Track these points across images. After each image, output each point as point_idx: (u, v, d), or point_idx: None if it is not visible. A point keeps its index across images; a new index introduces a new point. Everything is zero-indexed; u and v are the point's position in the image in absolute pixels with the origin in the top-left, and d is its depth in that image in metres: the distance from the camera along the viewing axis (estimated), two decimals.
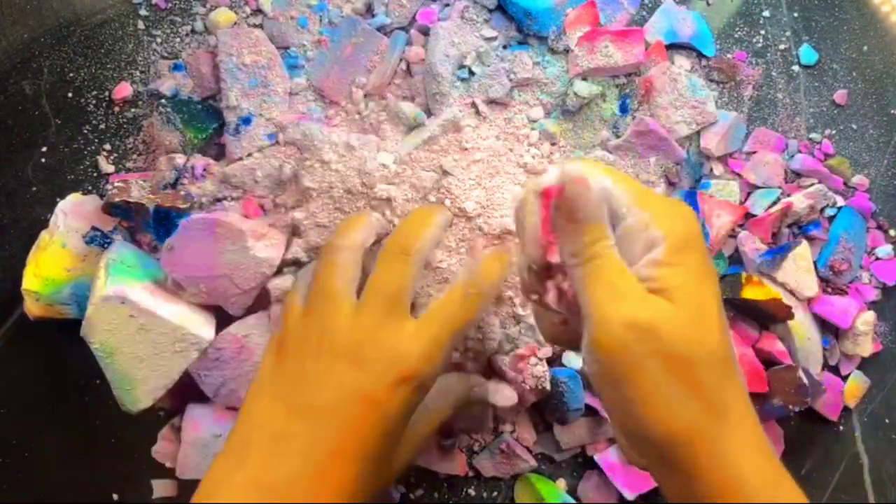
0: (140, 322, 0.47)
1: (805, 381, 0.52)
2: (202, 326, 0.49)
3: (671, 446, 0.34)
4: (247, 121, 0.52)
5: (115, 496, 0.54)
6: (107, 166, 0.54)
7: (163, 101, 0.53)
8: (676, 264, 0.35)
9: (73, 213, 0.51)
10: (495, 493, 0.57)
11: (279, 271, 0.51)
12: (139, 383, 0.48)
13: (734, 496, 0.34)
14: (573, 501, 0.56)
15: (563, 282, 0.39)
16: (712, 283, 0.36)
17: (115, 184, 0.51)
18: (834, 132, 0.59)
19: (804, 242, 0.55)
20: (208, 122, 0.53)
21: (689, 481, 0.34)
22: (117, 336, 0.47)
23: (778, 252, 0.55)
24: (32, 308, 0.50)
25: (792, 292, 0.55)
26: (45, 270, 0.50)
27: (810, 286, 0.55)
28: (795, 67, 0.59)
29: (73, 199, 0.52)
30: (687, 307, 0.34)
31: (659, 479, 0.38)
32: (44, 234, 0.51)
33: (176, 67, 0.54)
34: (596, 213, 0.36)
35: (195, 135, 0.53)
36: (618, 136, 0.56)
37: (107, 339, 0.47)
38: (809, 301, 0.57)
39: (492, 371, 0.54)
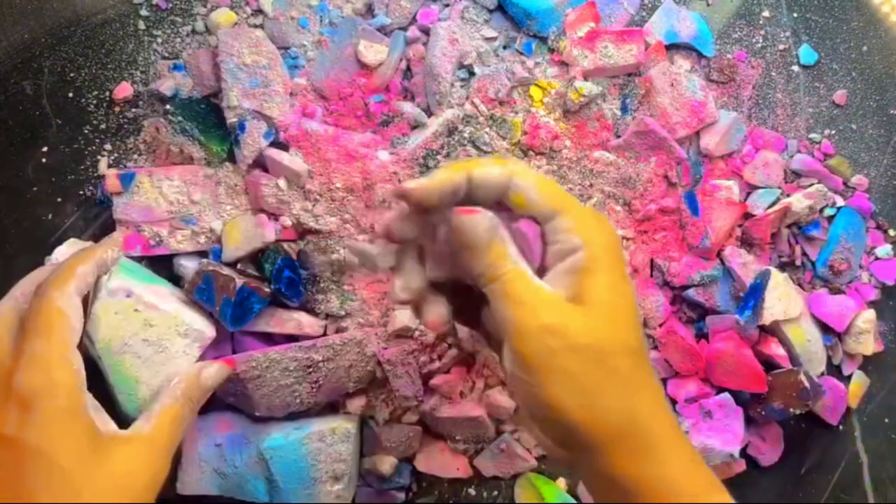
0: (144, 316, 0.47)
1: (807, 384, 0.52)
2: (204, 323, 0.49)
3: (588, 431, 0.36)
4: (248, 121, 0.52)
5: None
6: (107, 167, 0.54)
7: (168, 106, 0.53)
8: (593, 271, 0.37)
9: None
10: (496, 493, 0.57)
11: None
12: (142, 385, 0.47)
13: (645, 467, 0.36)
14: (573, 501, 0.56)
15: None
16: (626, 290, 0.39)
17: (205, 260, 0.51)
18: (833, 132, 0.59)
19: (770, 269, 0.55)
20: (225, 129, 0.52)
21: (604, 461, 0.36)
22: (121, 332, 0.47)
23: (752, 297, 0.54)
24: None
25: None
26: None
27: (797, 304, 0.55)
28: (795, 67, 0.59)
29: (70, 245, 0.52)
30: (600, 309, 0.37)
31: (578, 468, 0.39)
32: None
33: (175, 67, 0.54)
34: (487, 240, 0.38)
35: (219, 146, 0.53)
36: (618, 136, 0.56)
37: (111, 335, 0.46)
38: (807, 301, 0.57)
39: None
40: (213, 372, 0.47)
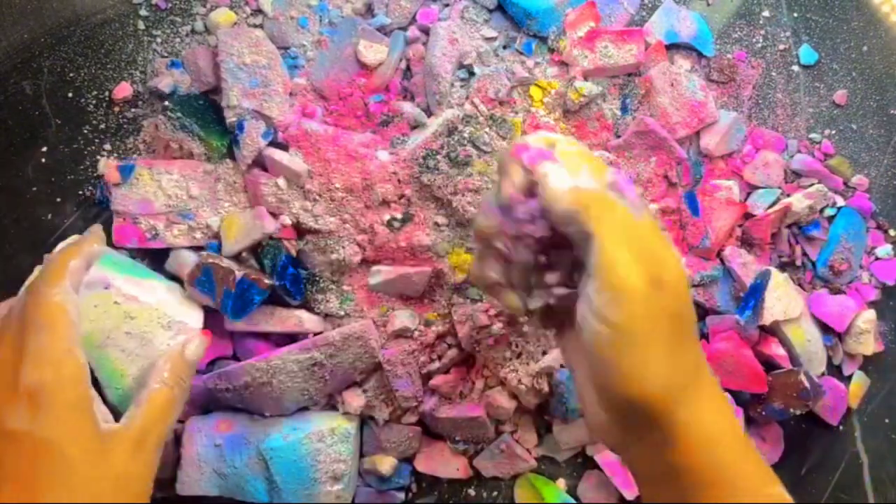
0: (125, 308, 0.45)
1: (807, 385, 0.52)
2: (189, 314, 0.48)
3: (650, 402, 0.35)
4: (247, 121, 0.52)
5: None
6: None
7: (167, 104, 0.53)
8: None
9: None
10: (495, 493, 0.57)
11: None
12: (128, 378, 0.46)
13: (708, 450, 0.35)
14: (573, 501, 0.56)
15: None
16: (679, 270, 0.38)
17: (205, 253, 0.51)
18: (834, 132, 0.59)
19: (771, 269, 0.55)
20: (225, 124, 0.52)
21: (663, 438, 0.35)
22: (102, 325, 0.45)
23: (752, 298, 0.54)
24: None
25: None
26: None
27: (797, 304, 0.55)
28: (795, 67, 0.59)
29: (72, 242, 0.52)
30: (682, 273, 0.36)
31: (629, 447, 0.38)
32: (37, 274, 0.50)
33: (173, 65, 0.54)
34: (599, 161, 0.37)
35: (219, 141, 0.53)
36: (618, 136, 0.56)
37: (92, 328, 0.44)
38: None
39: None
40: (195, 347, 0.46)
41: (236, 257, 0.52)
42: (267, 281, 0.50)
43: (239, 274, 0.49)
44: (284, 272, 0.51)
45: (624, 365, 0.35)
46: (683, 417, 0.35)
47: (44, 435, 0.38)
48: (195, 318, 0.48)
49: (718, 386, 0.38)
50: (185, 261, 0.52)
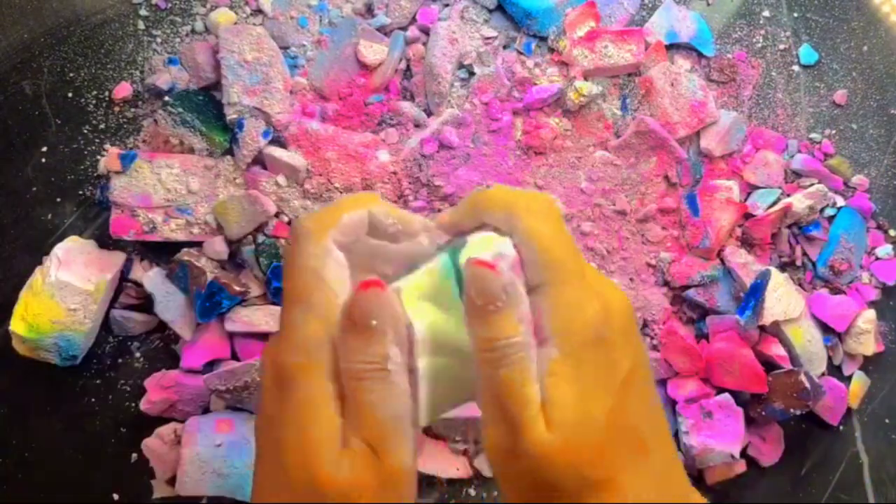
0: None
1: (807, 385, 0.52)
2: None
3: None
4: (246, 119, 0.52)
5: (115, 496, 0.54)
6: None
7: (167, 99, 0.53)
8: (563, 375, 0.30)
9: (66, 264, 0.50)
10: (496, 493, 0.57)
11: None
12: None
13: None
14: None
15: None
16: (607, 390, 0.31)
17: (192, 250, 0.52)
18: (834, 132, 0.59)
19: (771, 269, 0.54)
20: (226, 120, 0.52)
21: None
22: (447, 328, 0.32)
23: (752, 298, 0.54)
24: (17, 346, 0.50)
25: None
26: (32, 317, 0.49)
27: (797, 304, 0.55)
28: (795, 67, 0.59)
29: (71, 242, 0.51)
30: (565, 428, 0.30)
31: None
32: (37, 275, 0.50)
33: (171, 61, 0.54)
34: (509, 300, 0.30)
35: (221, 136, 0.53)
36: (618, 136, 0.56)
37: (436, 322, 0.32)
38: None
39: None
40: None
41: (237, 244, 0.52)
42: (238, 288, 0.51)
43: (210, 277, 0.50)
44: (280, 274, 0.51)
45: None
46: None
47: (278, 428, 0.31)
48: None
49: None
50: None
